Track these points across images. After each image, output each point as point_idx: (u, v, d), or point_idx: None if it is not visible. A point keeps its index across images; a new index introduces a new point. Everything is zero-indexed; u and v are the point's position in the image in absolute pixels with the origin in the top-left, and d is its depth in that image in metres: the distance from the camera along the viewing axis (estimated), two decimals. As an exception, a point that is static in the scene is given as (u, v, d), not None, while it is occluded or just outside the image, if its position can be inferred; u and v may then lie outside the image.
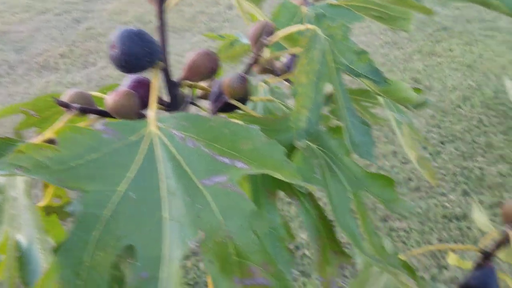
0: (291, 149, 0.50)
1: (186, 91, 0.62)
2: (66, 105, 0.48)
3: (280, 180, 0.40)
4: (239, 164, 0.40)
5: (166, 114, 0.53)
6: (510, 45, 3.29)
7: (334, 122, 0.55)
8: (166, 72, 0.53)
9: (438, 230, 1.82)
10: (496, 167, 2.12)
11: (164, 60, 0.53)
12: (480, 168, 2.10)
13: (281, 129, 0.50)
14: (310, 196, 0.47)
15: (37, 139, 0.45)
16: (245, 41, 1.04)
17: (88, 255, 0.36)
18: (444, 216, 1.88)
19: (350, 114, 0.48)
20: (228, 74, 0.53)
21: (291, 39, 0.64)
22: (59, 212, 0.59)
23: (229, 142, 0.41)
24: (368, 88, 0.57)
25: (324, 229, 0.46)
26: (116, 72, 3.25)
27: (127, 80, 0.53)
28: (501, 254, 0.69)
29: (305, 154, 0.46)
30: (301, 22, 0.89)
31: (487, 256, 0.64)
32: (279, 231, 0.44)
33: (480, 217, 0.82)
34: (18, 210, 0.41)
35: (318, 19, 0.60)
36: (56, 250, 0.35)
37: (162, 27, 0.52)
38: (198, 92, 0.62)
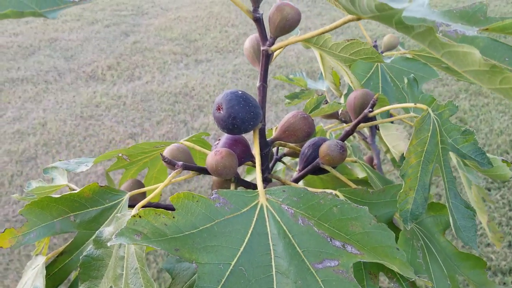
0: (388, 225, 0.49)
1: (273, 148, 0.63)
2: (172, 163, 0.49)
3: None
4: (351, 249, 0.39)
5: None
6: (560, 92, 3.20)
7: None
8: (262, 132, 0.54)
9: (481, 281, 1.76)
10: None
11: (263, 120, 0.53)
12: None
13: (379, 203, 0.50)
14: (410, 282, 0.46)
15: (145, 200, 0.46)
16: (313, 85, 1.05)
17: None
18: (489, 269, 1.82)
19: (453, 195, 0.47)
20: (326, 142, 0.53)
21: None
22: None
23: (338, 222, 0.41)
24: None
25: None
26: (160, 89, 3.31)
27: (225, 138, 0.54)
28: None
29: (407, 235, 0.46)
30: (376, 74, 0.89)
31: None
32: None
33: None
34: (125, 270, 0.42)
35: (411, 86, 0.59)
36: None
37: (264, 89, 0.53)
38: (285, 149, 0.63)
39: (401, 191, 0.44)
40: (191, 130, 2.85)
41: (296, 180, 0.57)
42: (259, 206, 0.41)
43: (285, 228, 0.40)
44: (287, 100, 1.00)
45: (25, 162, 2.58)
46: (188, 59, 3.85)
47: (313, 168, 0.55)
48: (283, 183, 0.55)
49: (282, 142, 0.57)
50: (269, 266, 0.39)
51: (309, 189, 0.49)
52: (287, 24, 0.50)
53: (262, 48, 0.51)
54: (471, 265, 0.52)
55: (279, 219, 0.41)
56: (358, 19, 0.43)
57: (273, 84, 3.32)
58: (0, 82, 3.47)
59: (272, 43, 0.51)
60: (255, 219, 0.41)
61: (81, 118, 2.98)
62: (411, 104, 0.49)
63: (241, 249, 0.39)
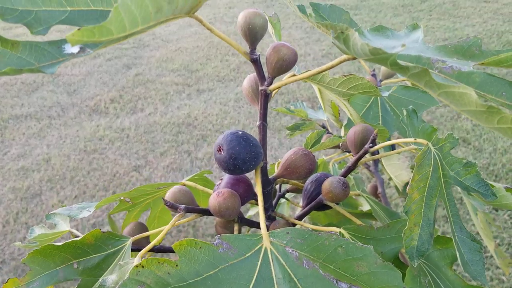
0: (394, 261, 0.48)
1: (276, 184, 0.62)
2: (174, 207, 0.49)
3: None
4: (357, 290, 0.39)
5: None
6: (562, 107, 3.20)
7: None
8: (264, 170, 0.53)
9: (494, 305, 1.72)
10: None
11: (264, 158, 0.53)
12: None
13: (384, 239, 0.49)
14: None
15: (149, 246, 0.46)
16: (314, 115, 1.05)
17: None
18: (501, 290, 1.79)
19: (459, 229, 0.47)
20: (329, 179, 0.52)
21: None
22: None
23: (343, 263, 0.40)
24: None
25: None
26: (163, 120, 3.33)
27: (227, 178, 0.54)
28: None
29: (414, 272, 0.45)
30: (376, 104, 0.89)
31: None
32: None
33: None
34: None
35: (411, 117, 0.60)
36: None
37: (264, 128, 0.53)
38: (288, 185, 0.62)
39: (405, 228, 0.44)
40: (195, 160, 2.85)
41: (300, 217, 0.56)
42: (263, 250, 0.41)
43: (290, 271, 0.40)
44: (288, 132, 1.00)
45: (30, 199, 2.58)
46: (190, 89, 3.88)
47: (316, 204, 0.55)
48: (287, 221, 0.55)
49: (285, 179, 0.57)
50: (275, 312, 0.38)
51: (313, 227, 0.48)
52: (284, 64, 0.51)
53: (260, 88, 0.51)
54: (482, 299, 0.51)
55: (283, 263, 0.40)
56: (354, 58, 0.43)
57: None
58: (4, 119, 3.50)
59: (270, 83, 0.51)
60: (259, 263, 0.40)
61: (84, 153, 2.99)
62: (411, 139, 0.49)
63: (246, 295, 0.39)
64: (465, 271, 0.45)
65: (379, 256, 0.41)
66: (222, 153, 0.49)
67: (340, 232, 0.48)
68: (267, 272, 0.40)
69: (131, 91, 3.87)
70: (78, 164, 2.87)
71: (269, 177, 0.55)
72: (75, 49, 0.38)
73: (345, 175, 0.54)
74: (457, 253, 0.46)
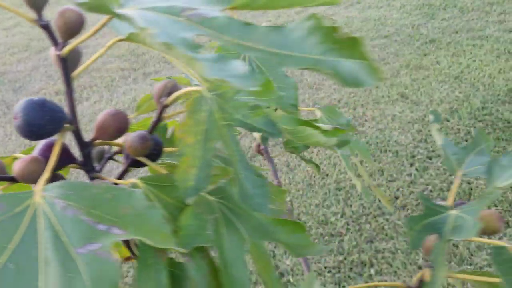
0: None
1: (106, 147, 0.64)
2: (-31, 177, 0.50)
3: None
4: (115, 230, 0.41)
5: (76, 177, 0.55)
6: (498, 54, 3.29)
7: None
8: (77, 133, 0.55)
9: (426, 248, 1.80)
10: (484, 180, 2.10)
11: (74, 122, 0.55)
12: (468, 182, 2.09)
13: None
14: (203, 251, 0.48)
15: None
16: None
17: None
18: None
19: (243, 167, 0.50)
20: (130, 134, 0.54)
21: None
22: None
23: (110, 207, 0.43)
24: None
25: (216, 284, 0.47)
26: (108, 106, 3.30)
27: (39, 144, 0.55)
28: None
29: (196, 210, 0.48)
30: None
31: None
32: (165, 290, 0.45)
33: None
34: None
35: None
36: None
37: (70, 92, 0.54)
38: (116, 147, 0.64)
39: (180, 170, 0.46)
40: (141, 143, 2.85)
41: (120, 176, 0.58)
42: (32, 204, 0.43)
43: (54, 220, 0.42)
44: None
45: (-25, 199, 2.55)
46: (136, 74, 3.85)
47: (131, 162, 0.57)
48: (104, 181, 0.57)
49: (102, 140, 0.59)
50: (36, 259, 0.40)
51: (112, 180, 0.51)
52: (70, 27, 0.52)
53: (55, 53, 0.53)
54: (290, 230, 0.54)
55: (50, 213, 0.42)
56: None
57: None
58: None
59: (63, 47, 0.53)
60: (28, 216, 0.42)
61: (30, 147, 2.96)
62: (194, 88, 0.51)
63: (11, 247, 0.41)
64: (246, 204, 0.48)
65: (147, 199, 0.43)
66: (18, 120, 0.50)
67: (135, 183, 0.50)
68: (33, 224, 0.42)
69: (76, 82, 3.77)
70: (23, 160, 2.84)
71: (85, 140, 0.57)
72: None
73: (151, 131, 0.56)
74: (238, 189, 0.48)
